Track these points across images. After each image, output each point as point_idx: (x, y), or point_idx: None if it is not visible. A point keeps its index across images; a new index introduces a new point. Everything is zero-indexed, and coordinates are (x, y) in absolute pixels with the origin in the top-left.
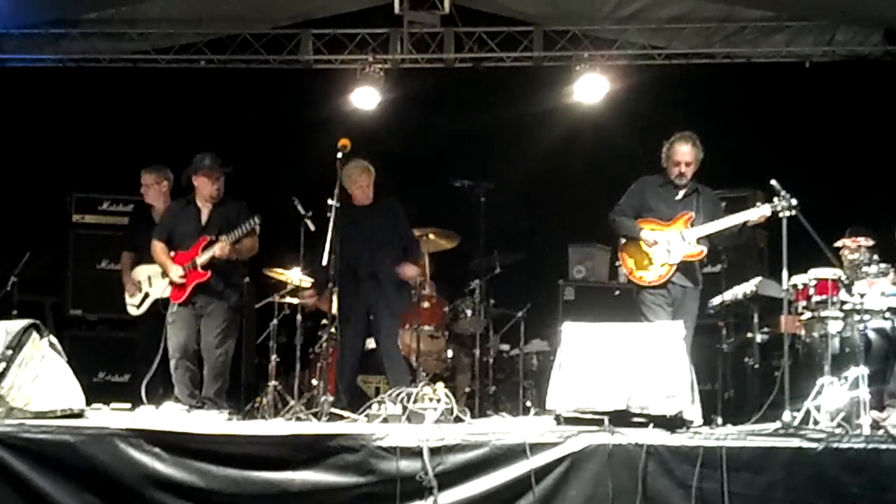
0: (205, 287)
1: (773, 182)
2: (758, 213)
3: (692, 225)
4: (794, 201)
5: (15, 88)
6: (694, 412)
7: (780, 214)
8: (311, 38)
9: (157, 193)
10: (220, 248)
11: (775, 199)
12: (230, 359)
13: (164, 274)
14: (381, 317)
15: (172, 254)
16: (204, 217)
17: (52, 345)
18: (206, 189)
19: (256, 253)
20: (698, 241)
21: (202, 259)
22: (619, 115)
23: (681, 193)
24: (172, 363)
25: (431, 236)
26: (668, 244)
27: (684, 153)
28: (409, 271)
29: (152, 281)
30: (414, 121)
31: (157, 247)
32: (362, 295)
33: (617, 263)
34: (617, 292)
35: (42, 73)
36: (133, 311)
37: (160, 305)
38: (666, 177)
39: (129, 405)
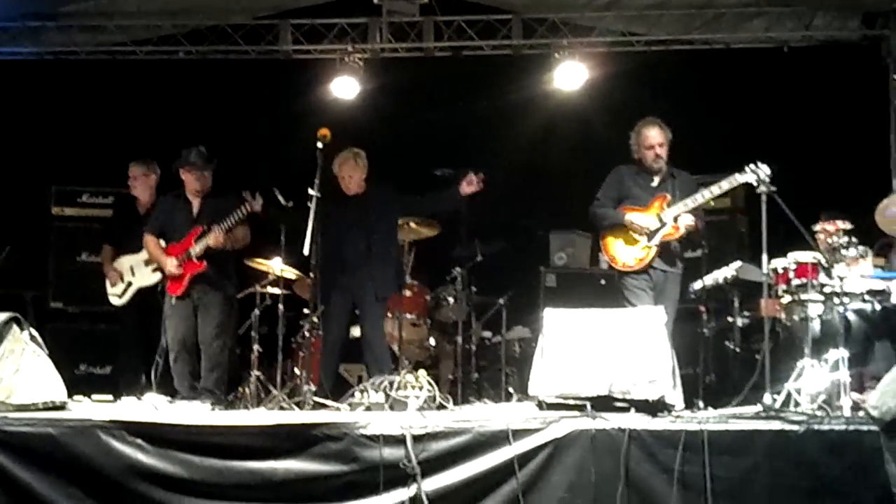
0: (203, 278)
1: (753, 167)
2: (731, 182)
3: (668, 206)
4: (772, 183)
5: None
6: (676, 396)
7: (759, 189)
8: (289, 28)
9: (144, 186)
10: (213, 238)
11: (747, 170)
12: (227, 349)
13: (148, 262)
14: (367, 304)
15: (163, 244)
16: (195, 209)
17: (32, 337)
18: (191, 184)
19: (248, 243)
20: (675, 219)
21: (196, 249)
22: (599, 102)
23: (656, 180)
24: (172, 356)
25: (413, 225)
26: (648, 227)
27: (654, 136)
28: (465, 187)
29: (135, 270)
30: (394, 110)
31: (150, 241)
32: (348, 284)
33: (599, 252)
34: (603, 281)
35: (20, 66)
36: (115, 301)
37: (157, 294)
38: (639, 165)
39: (110, 397)
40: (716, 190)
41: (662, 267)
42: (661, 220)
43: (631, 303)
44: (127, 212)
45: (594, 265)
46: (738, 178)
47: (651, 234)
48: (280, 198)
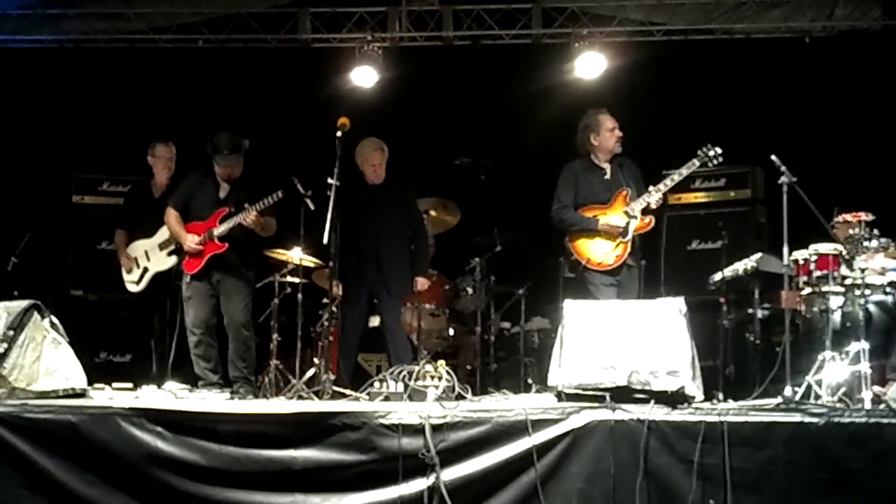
0: (222, 262)
1: (774, 158)
2: (689, 168)
3: (630, 199)
4: (794, 178)
5: (13, 70)
6: (695, 388)
7: (780, 180)
8: (309, 16)
9: (165, 167)
10: (246, 217)
11: (699, 152)
12: (254, 334)
13: (163, 246)
14: (384, 296)
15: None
16: (223, 191)
17: (53, 325)
18: (219, 170)
19: (273, 233)
20: (643, 212)
21: (220, 230)
22: (618, 92)
23: (608, 173)
24: (193, 339)
25: (432, 213)
26: (619, 226)
27: (612, 119)
28: (418, 286)
29: (150, 255)
30: (413, 99)
31: (171, 215)
32: (365, 273)
33: (572, 257)
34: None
35: (40, 54)
36: (132, 288)
37: (170, 276)
38: (588, 160)
39: (130, 385)
40: (676, 178)
41: (629, 262)
42: (628, 215)
43: (595, 298)
44: (141, 196)
45: None
46: (696, 163)
47: (624, 231)
48: (299, 187)
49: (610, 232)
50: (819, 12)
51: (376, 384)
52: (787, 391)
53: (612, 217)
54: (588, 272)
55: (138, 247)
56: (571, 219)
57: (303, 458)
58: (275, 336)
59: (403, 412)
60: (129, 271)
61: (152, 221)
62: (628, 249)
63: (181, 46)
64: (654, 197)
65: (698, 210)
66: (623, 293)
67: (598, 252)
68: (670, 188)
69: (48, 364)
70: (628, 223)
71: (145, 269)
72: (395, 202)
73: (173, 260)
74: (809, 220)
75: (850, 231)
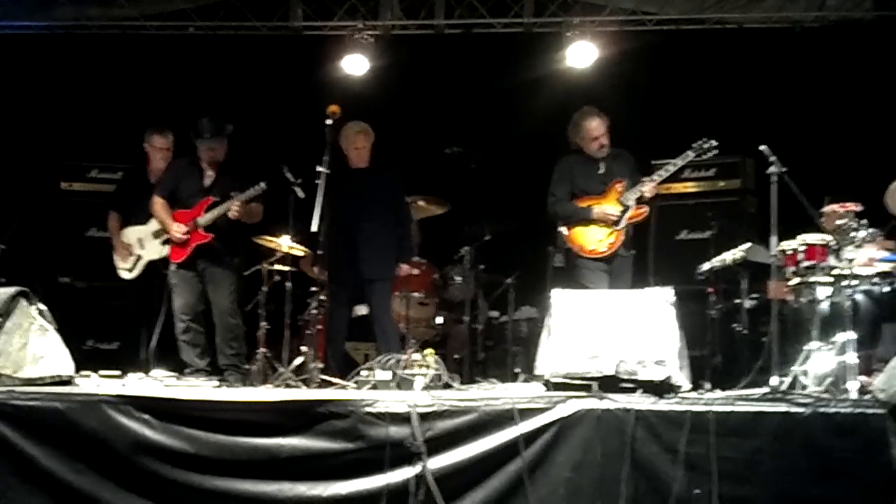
0: (207, 250)
1: (763, 148)
2: (684, 158)
3: (625, 189)
4: (783, 168)
5: (2, 56)
6: (683, 378)
7: (769, 170)
8: (300, 4)
9: (163, 156)
10: (232, 208)
11: (695, 145)
12: (241, 321)
13: (157, 234)
14: (371, 283)
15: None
16: (209, 178)
17: (41, 312)
18: (202, 154)
19: (261, 219)
20: (637, 201)
21: (205, 220)
22: (610, 82)
23: (602, 166)
24: (181, 325)
25: (421, 203)
26: (614, 214)
27: (596, 128)
28: (401, 272)
29: (144, 243)
30: (405, 88)
31: (158, 203)
32: (349, 259)
33: (566, 246)
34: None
35: (31, 40)
36: (125, 276)
37: (159, 265)
38: (583, 154)
39: (118, 372)
40: (671, 168)
41: (621, 252)
42: (623, 204)
43: (586, 286)
44: (136, 180)
45: None
46: (690, 154)
47: (618, 220)
48: (289, 175)
49: (604, 220)
50: (811, 2)
51: (364, 372)
52: (774, 381)
53: (606, 206)
54: (579, 260)
55: (131, 234)
56: (566, 210)
57: (290, 447)
58: (263, 324)
59: (391, 401)
60: (123, 258)
61: (146, 208)
62: (621, 238)
63: (172, 33)
64: (647, 186)
65: (688, 200)
66: (615, 282)
67: (592, 240)
68: (665, 178)
69: (35, 351)
70: (623, 212)
71: (138, 257)
72: (380, 187)
73: (167, 249)
74: (799, 210)
75: (839, 221)
